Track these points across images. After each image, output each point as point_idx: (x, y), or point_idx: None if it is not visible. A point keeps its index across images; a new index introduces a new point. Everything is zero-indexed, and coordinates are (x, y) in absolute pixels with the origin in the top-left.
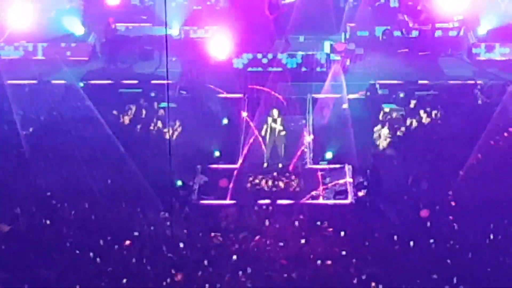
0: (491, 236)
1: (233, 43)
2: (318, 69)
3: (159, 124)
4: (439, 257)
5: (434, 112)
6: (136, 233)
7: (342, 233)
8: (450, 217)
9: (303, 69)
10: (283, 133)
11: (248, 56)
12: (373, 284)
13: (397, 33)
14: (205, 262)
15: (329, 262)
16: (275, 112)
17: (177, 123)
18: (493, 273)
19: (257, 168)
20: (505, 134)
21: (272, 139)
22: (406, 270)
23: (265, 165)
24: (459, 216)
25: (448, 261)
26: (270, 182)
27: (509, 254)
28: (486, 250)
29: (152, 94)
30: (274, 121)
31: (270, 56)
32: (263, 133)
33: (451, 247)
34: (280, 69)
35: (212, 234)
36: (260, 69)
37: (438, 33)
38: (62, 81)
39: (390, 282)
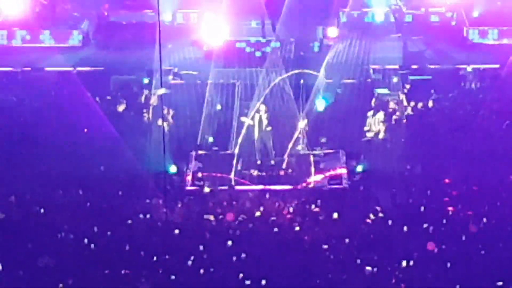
0: (484, 220)
1: (225, 28)
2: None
3: (153, 110)
4: (433, 241)
5: (427, 97)
6: (129, 221)
7: (336, 217)
8: (444, 200)
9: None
10: (269, 128)
11: (241, 42)
12: (367, 268)
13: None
14: (201, 247)
15: (325, 246)
16: (262, 107)
17: (171, 110)
18: (487, 257)
19: (250, 155)
20: (498, 118)
21: (260, 135)
22: (400, 254)
23: (258, 162)
24: (452, 200)
25: (443, 246)
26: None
27: (502, 238)
28: (479, 234)
29: (146, 81)
30: (261, 117)
31: (262, 40)
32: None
33: (445, 231)
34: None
35: (205, 216)
36: (252, 50)
37: (431, 18)
38: (56, 68)
39: (384, 265)
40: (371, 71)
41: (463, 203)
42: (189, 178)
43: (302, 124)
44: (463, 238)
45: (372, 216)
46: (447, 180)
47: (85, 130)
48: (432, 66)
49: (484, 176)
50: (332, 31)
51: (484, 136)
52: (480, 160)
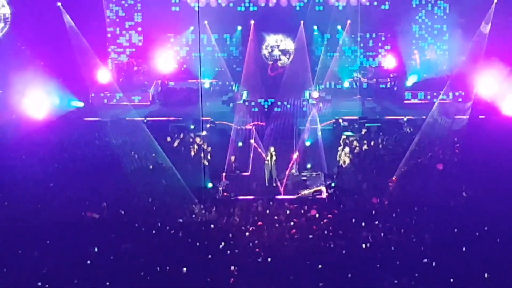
0: (414, 220)
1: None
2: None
3: (196, 146)
4: (382, 231)
5: (377, 137)
6: (180, 220)
7: (318, 216)
8: (390, 205)
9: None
10: (274, 162)
11: (255, 101)
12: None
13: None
14: (230, 235)
15: (310, 236)
16: (272, 149)
17: (209, 145)
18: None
19: (260, 177)
20: (425, 151)
21: (269, 168)
22: (360, 240)
23: (266, 183)
24: (395, 204)
25: (389, 235)
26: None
27: (437, 223)
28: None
29: (192, 126)
30: (271, 155)
31: (271, 101)
32: (266, 162)
33: (390, 225)
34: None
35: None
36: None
37: (380, 85)
38: (132, 118)
39: (348, 248)
40: (340, 120)
41: (402, 205)
42: (220, 190)
43: (295, 155)
44: (402, 231)
45: (342, 215)
46: (391, 191)
47: (153, 154)
48: (379, 117)
49: (417, 188)
50: (315, 94)
51: (416, 163)
52: (413, 179)
